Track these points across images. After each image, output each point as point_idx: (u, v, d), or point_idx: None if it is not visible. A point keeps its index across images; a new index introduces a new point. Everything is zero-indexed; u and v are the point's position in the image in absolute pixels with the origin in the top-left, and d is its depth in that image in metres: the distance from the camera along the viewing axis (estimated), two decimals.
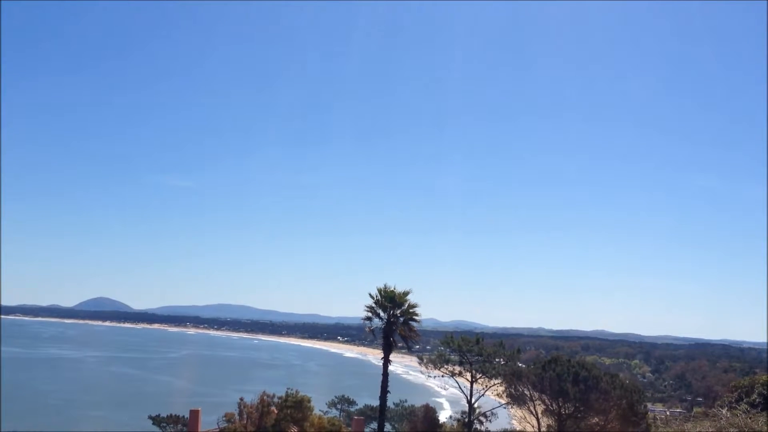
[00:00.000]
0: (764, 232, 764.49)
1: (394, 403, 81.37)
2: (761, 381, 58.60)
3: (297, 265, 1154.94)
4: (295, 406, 50.18)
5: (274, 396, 51.69)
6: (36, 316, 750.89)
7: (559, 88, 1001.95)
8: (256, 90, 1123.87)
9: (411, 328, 51.47)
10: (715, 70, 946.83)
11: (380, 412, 53.56)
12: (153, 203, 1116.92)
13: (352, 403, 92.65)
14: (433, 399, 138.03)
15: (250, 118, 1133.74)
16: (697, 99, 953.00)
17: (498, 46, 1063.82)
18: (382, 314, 51.18)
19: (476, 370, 60.85)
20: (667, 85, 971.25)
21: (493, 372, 60.57)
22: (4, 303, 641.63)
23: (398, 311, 51.05)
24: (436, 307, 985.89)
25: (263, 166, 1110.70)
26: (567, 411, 53.68)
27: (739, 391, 59.13)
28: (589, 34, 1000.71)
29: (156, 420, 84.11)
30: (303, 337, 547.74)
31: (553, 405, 54.42)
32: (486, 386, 62.27)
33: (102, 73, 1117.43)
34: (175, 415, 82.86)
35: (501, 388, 61.69)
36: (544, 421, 56.62)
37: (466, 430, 62.37)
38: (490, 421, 65.79)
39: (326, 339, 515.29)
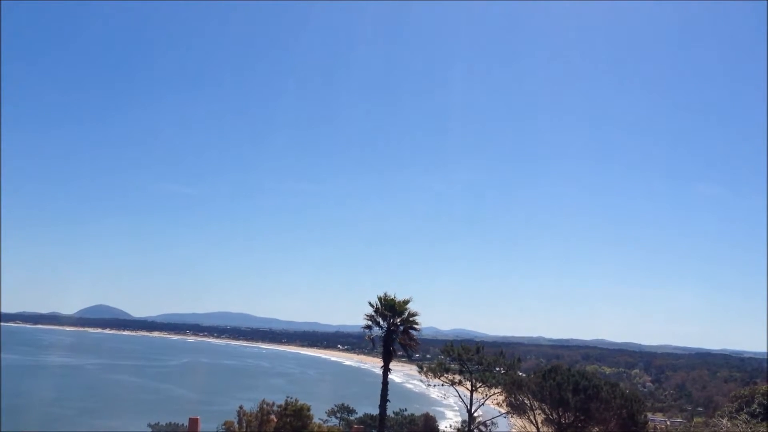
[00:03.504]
0: (765, 241, 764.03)
1: (394, 412, 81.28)
2: (761, 391, 58.53)
3: (297, 272, 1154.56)
4: (295, 415, 50.13)
5: (273, 404, 51.63)
6: (36, 323, 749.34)
7: (561, 93, 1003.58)
8: (258, 98, 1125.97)
9: (411, 337, 51.44)
10: (719, 76, 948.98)
11: (380, 421, 53.47)
12: (153, 210, 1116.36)
13: (352, 411, 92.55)
14: (433, 408, 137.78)
15: (252, 126, 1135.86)
16: (700, 106, 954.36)
17: (500, 49, 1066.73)
18: (381, 323, 51.16)
19: (476, 379, 60.77)
20: (669, 91, 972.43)
21: (493, 381, 60.46)
22: (3, 310, 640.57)
23: (398, 320, 51.03)
24: (436, 315, 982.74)
25: (265, 174, 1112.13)
26: (567, 420, 53.55)
27: (740, 401, 59.08)
28: (593, 37, 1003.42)
29: (155, 428, 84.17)
30: (303, 345, 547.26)
31: (553, 414, 54.30)
32: (486, 395, 62.16)
33: (105, 81, 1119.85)
34: (175, 423, 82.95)
35: (501, 397, 61.57)
36: (544, 431, 56.46)
37: None
38: (490, 430, 65.72)
39: (326, 347, 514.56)
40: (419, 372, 65.32)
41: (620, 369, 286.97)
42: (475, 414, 63.02)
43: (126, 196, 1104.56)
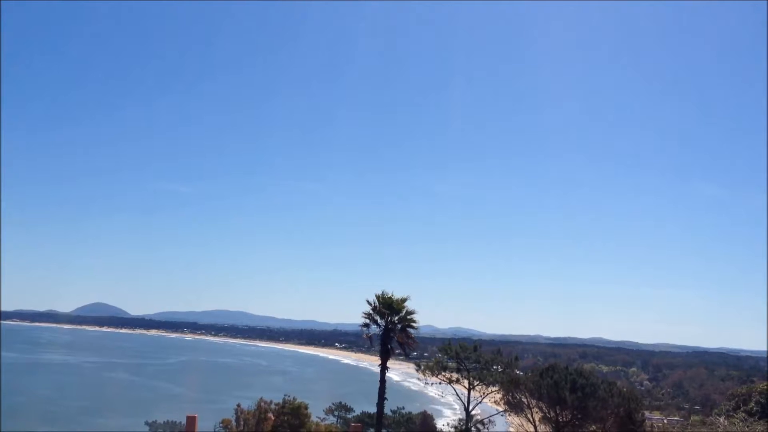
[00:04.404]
0: (764, 240, 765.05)
1: (391, 410, 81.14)
2: (759, 389, 58.75)
3: (295, 271, 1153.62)
4: (293, 413, 50.22)
5: (271, 402, 51.75)
6: (33, 321, 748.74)
7: (560, 92, 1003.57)
8: (258, 96, 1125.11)
9: (409, 335, 51.47)
10: (719, 75, 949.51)
11: (378, 419, 53.52)
12: (151, 209, 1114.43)
13: (349, 410, 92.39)
14: (431, 406, 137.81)
15: (250, 125, 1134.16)
16: (699, 105, 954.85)
17: (499, 49, 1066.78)
18: (379, 321, 51.18)
19: (474, 378, 60.74)
20: (670, 90, 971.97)
21: (491, 379, 60.45)
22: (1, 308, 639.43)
23: (396, 318, 51.04)
24: (434, 313, 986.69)
25: (262, 172, 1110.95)
26: (564, 418, 53.60)
27: (737, 399, 59.33)
28: (592, 37, 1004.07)
29: (153, 426, 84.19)
30: (301, 344, 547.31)
31: (551, 412, 54.34)
32: (483, 393, 62.16)
33: (102, 79, 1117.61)
34: (172, 421, 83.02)
35: (498, 396, 61.56)
36: (542, 429, 56.49)
37: None
38: (487, 428, 65.64)
39: (324, 345, 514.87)
40: (417, 370, 65.28)
41: (618, 367, 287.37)
42: (473, 412, 63.02)
43: (124, 194, 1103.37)
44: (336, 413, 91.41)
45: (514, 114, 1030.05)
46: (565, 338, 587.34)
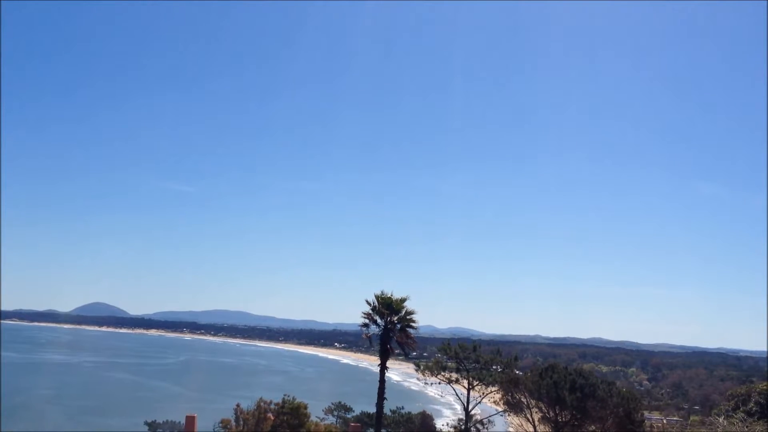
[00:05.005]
0: (764, 240, 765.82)
1: (390, 410, 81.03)
2: (758, 389, 58.76)
3: (294, 270, 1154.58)
4: (292, 413, 50.26)
5: (271, 402, 51.77)
6: (33, 321, 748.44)
7: (560, 92, 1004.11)
8: (259, 96, 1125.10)
9: (408, 335, 51.47)
10: (720, 74, 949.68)
11: (377, 419, 53.52)
12: (151, 208, 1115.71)
13: (348, 409, 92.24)
14: (430, 406, 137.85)
15: (251, 124, 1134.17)
16: (700, 104, 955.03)
17: (499, 48, 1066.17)
18: (379, 321, 51.18)
19: (473, 378, 60.73)
20: (670, 89, 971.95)
21: (490, 379, 60.44)
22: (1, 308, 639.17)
23: (395, 318, 51.04)
24: (434, 313, 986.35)
25: (263, 172, 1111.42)
26: (564, 419, 53.61)
27: (736, 399, 59.33)
28: (593, 37, 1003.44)
29: (152, 426, 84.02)
30: (300, 344, 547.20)
31: (550, 412, 54.36)
32: (483, 393, 62.13)
33: (103, 78, 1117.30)
34: (171, 420, 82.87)
35: (498, 396, 61.55)
36: (541, 429, 56.49)
37: None
38: (487, 428, 65.63)
39: (323, 345, 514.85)
40: (416, 370, 65.24)
41: (617, 367, 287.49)
42: (472, 412, 63.01)
43: (124, 193, 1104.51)
44: (335, 413, 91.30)
45: (515, 114, 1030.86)
46: (564, 338, 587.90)
